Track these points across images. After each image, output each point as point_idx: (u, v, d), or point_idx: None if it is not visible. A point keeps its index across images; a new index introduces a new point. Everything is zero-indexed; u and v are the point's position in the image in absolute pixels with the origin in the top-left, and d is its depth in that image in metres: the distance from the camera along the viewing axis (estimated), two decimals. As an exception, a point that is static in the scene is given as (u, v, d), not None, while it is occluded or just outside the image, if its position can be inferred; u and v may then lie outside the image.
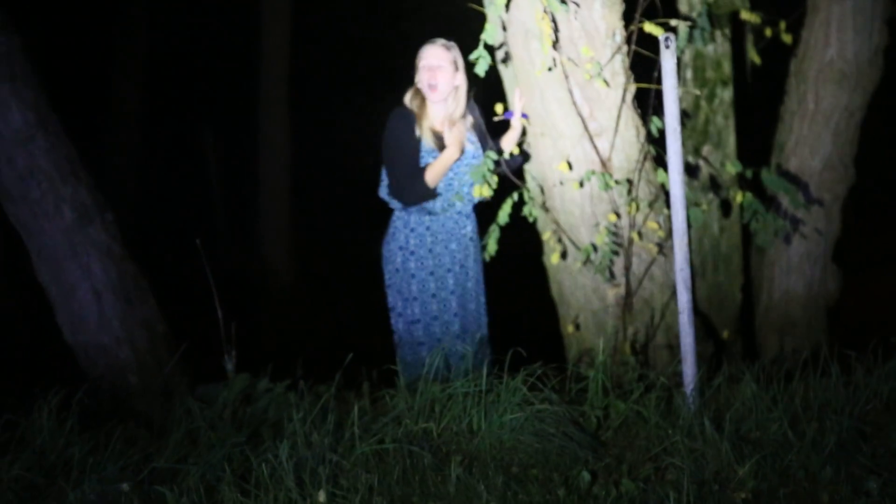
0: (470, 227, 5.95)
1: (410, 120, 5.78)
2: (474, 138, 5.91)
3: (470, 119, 5.91)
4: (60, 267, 5.95)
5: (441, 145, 5.78)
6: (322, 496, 4.48)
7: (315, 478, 4.57)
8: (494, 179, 5.74)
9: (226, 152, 11.78)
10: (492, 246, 5.90)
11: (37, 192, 5.89)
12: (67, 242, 5.94)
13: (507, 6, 5.53)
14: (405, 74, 5.92)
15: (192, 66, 13.26)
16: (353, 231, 11.44)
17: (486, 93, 5.88)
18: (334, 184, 13.95)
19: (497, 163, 5.76)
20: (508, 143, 5.87)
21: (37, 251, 6.00)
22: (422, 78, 5.79)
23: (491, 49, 5.57)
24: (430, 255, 5.87)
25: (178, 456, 4.85)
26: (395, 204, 5.86)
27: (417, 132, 5.77)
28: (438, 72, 5.75)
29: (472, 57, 5.49)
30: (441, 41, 5.81)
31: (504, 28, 5.64)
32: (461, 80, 5.81)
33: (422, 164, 5.75)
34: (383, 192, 5.88)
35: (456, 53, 5.80)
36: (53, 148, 5.90)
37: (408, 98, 5.85)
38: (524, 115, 5.78)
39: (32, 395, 5.22)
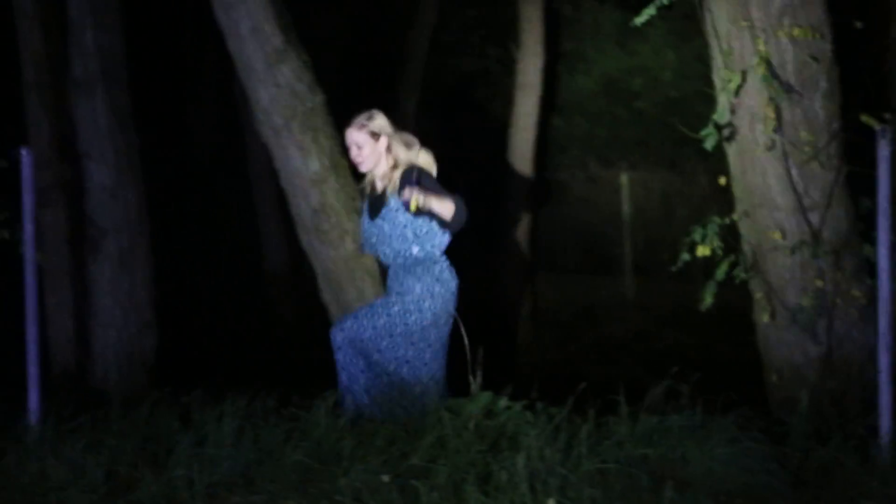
0: (407, 283, 5.48)
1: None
2: (398, 204, 5.44)
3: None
4: (340, 288, 5.96)
5: (372, 201, 5.57)
6: (552, 503, 4.30)
7: (546, 487, 4.39)
8: (719, 245, 5.50)
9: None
10: (707, 299, 5.59)
11: (326, 224, 5.92)
12: (347, 268, 5.94)
13: (737, 93, 5.30)
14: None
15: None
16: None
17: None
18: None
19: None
20: None
21: (322, 273, 6.03)
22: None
23: (718, 127, 5.34)
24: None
25: (429, 456, 4.72)
26: None
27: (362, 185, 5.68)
28: (359, 150, 5.52)
29: (702, 133, 5.31)
30: (357, 121, 5.53)
31: (732, 111, 5.38)
32: (385, 141, 5.48)
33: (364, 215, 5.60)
34: None
35: (372, 125, 5.49)
36: (342, 189, 5.93)
37: None
38: None
39: (312, 394, 5.22)
